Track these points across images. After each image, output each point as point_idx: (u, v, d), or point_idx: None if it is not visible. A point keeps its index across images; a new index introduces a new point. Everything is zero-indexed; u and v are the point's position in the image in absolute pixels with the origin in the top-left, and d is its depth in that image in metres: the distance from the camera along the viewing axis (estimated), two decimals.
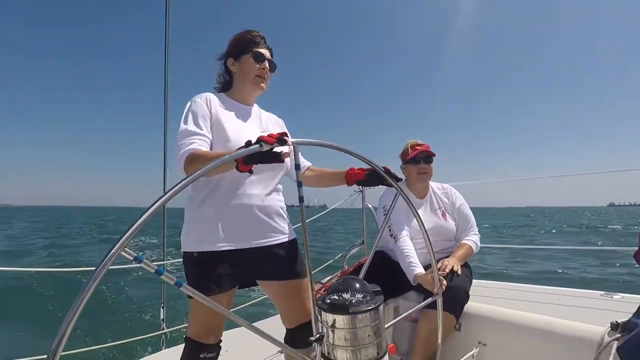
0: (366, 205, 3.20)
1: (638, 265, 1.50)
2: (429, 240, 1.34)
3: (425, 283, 1.75)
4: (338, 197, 3.41)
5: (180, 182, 0.75)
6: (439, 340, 1.57)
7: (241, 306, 3.09)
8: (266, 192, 1.38)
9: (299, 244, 1.49)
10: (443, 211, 2.16)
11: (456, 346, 1.80)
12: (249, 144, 0.87)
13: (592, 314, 1.68)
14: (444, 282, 1.53)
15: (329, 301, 0.90)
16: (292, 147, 0.92)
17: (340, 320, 0.87)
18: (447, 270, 1.83)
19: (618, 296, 1.96)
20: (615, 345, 1.32)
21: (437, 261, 1.95)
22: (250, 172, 0.94)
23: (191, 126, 1.27)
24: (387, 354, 0.94)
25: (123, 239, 0.64)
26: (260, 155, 0.87)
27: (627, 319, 1.39)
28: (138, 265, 0.72)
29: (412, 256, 1.90)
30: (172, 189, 0.74)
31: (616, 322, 1.39)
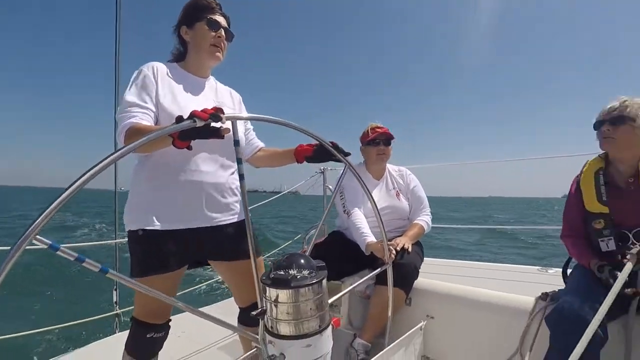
0: (328, 187, 3.25)
1: (564, 244, 1.64)
2: (379, 213, 1.40)
3: (376, 251, 1.82)
4: (310, 183, 3.38)
5: (105, 159, 0.69)
6: (389, 314, 1.65)
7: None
8: (218, 169, 1.33)
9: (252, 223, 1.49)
10: (397, 191, 2.24)
11: (406, 320, 1.90)
12: (179, 119, 0.83)
13: (528, 286, 1.81)
14: (394, 251, 1.59)
15: (272, 276, 0.91)
16: (230, 123, 0.90)
17: (283, 294, 0.89)
18: (398, 248, 1.91)
19: (552, 270, 2.14)
20: (543, 313, 1.44)
21: (391, 239, 2.03)
22: (189, 148, 0.90)
23: (133, 97, 1.20)
24: (330, 326, 0.97)
25: (33, 225, 0.59)
26: (196, 131, 0.84)
27: (556, 290, 1.51)
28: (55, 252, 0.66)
29: (364, 227, 1.97)
30: (95, 166, 0.68)
31: (546, 293, 1.51)
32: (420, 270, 1.99)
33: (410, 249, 1.94)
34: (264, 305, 0.93)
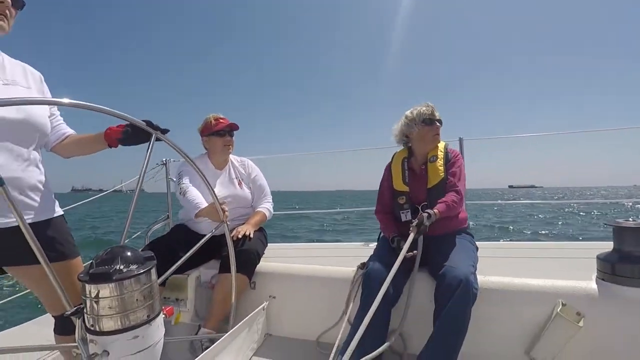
0: (171, 179, 3.09)
1: (377, 220, 2.02)
2: (208, 182, 1.47)
3: (209, 215, 1.88)
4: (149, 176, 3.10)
5: None
6: (233, 299, 1.71)
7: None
8: (12, 161, 1.14)
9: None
10: (239, 181, 2.33)
11: (250, 302, 2.00)
12: None
13: (354, 260, 2.14)
14: (227, 211, 1.66)
15: (91, 272, 0.86)
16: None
17: (105, 289, 0.85)
18: (240, 236, 2.00)
19: (373, 244, 2.57)
20: (360, 280, 1.75)
21: (234, 227, 2.10)
22: None
23: None
24: (160, 315, 0.97)
25: None
26: None
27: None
28: None
29: (197, 198, 2.01)
30: None
31: (363, 263, 1.83)
32: (264, 255, 2.12)
33: (252, 235, 2.05)
34: (83, 303, 0.87)
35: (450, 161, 1.88)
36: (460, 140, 2.77)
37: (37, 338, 1.93)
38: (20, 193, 1.15)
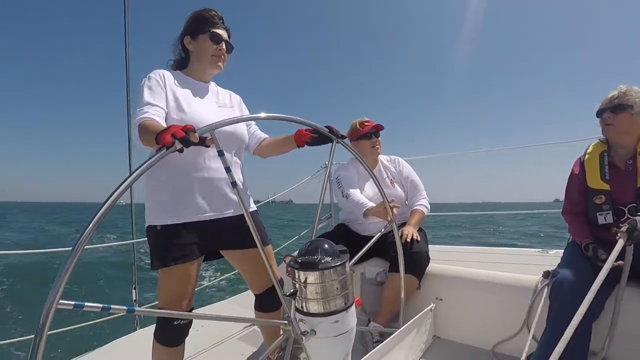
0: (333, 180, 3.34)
1: (565, 220, 1.75)
2: (376, 177, 1.56)
3: (377, 213, 1.94)
4: (304, 192, 3.41)
5: (117, 189, 0.80)
6: (402, 297, 1.75)
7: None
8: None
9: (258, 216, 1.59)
10: (391, 180, 2.35)
11: (417, 303, 1.99)
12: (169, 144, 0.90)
13: (530, 267, 1.91)
14: (395, 210, 1.69)
15: (300, 261, 1.00)
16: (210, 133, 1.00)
17: (311, 276, 0.98)
18: (408, 239, 2.00)
19: (552, 252, 2.24)
20: (546, 289, 1.54)
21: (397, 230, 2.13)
22: (181, 151, 0.93)
23: (144, 98, 1.30)
24: (353, 304, 1.06)
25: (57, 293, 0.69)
26: (184, 143, 0.90)
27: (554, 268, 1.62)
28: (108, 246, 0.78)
29: (362, 199, 2.10)
30: (112, 194, 0.79)
31: (547, 271, 1.61)
32: None
33: (418, 238, 2.04)
34: (295, 287, 1.03)
35: None
36: None
37: (232, 313, 2.32)
38: (229, 189, 1.44)
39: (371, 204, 2.02)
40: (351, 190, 2.20)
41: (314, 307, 1.00)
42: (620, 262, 1.39)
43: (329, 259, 1.00)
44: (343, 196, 2.23)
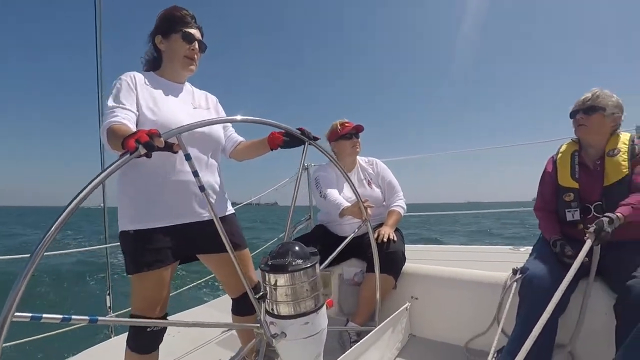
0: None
1: (536, 217, 1.82)
2: (349, 179, 1.57)
3: (352, 214, 1.95)
4: (290, 194, 3.39)
5: (80, 192, 0.77)
6: (378, 297, 1.77)
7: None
8: (203, 169, 1.42)
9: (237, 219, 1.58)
10: (369, 181, 2.39)
11: (393, 302, 2.02)
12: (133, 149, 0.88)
13: (501, 264, 1.97)
14: (369, 210, 1.71)
15: (270, 264, 1.01)
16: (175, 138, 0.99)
17: (281, 278, 0.99)
18: (384, 239, 2.03)
19: (523, 249, 2.31)
20: (515, 285, 1.59)
21: (374, 230, 2.16)
22: (148, 156, 0.91)
23: (112, 102, 1.28)
24: (324, 305, 1.07)
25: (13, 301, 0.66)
26: (148, 148, 0.88)
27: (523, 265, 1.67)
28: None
29: (339, 199, 2.12)
30: (76, 196, 0.76)
31: (516, 268, 1.67)
32: None
33: (395, 238, 2.07)
34: (264, 290, 1.03)
35: (638, 155, 1.57)
36: (638, 129, 2.27)
37: (212, 318, 2.30)
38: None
39: (347, 204, 2.04)
40: (329, 191, 2.21)
41: (284, 310, 1.00)
42: (586, 258, 1.45)
43: (299, 261, 1.01)
44: (321, 196, 2.25)
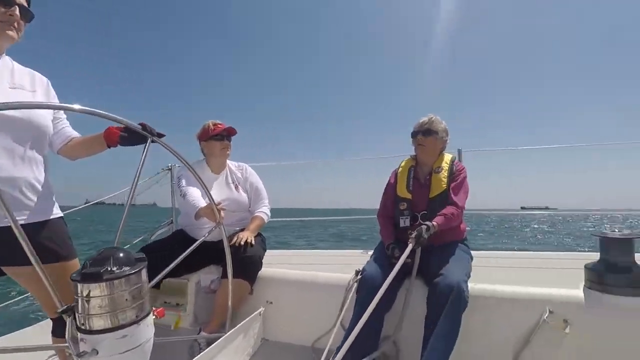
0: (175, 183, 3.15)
1: (378, 223, 2.05)
2: (202, 182, 1.51)
3: (207, 215, 1.92)
4: (149, 183, 3.14)
5: None
6: (229, 303, 1.74)
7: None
8: (17, 162, 1.19)
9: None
10: (236, 185, 2.38)
11: (249, 308, 2.02)
12: None
13: (352, 267, 2.16)
14: (222, 213, 1.69)
15: (83, 272, 0.90)
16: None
17: (96, 289, 0.88)
18: (242, 242, 2.03)
19: (371, 252, 2.58)
20: (355, 285, 1.76)
21: (234, 233, 2.13)
22: None
23: None
24: (150, 315, 1.00)
25: None
26: None
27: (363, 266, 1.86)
28: None
29: (196, 198, 2.05)
30: None
31: (358, 269, 1.85)
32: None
33: (253, 242, 2.08)
34: (75, 302, 0.91)
35: (455, 174, 1.92)
36: (459, 151, 2.79)
37: (37, 341, 1.96)
38: (13, 191, 1.19)
39: (202, 204, 1.97)
40: (189, 189, 2.10)
41: (98, 323, 0.90)
42: (409, 260, 1.70)
43: (120, 268, 0.92)
44: (181, 195, 2.13)
